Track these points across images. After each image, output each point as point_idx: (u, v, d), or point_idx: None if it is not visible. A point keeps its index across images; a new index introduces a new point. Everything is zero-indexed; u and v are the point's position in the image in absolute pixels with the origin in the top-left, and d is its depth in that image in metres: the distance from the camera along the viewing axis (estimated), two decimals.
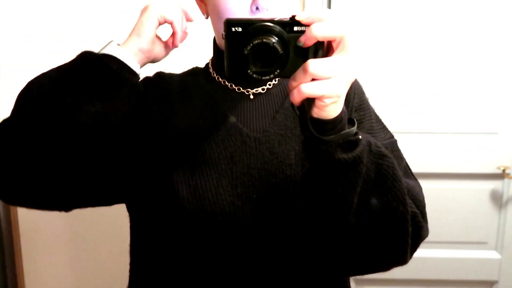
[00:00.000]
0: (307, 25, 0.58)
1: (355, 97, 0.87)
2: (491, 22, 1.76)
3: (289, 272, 0.80)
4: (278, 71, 0.59)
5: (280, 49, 0.58)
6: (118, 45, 0.76)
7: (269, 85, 0.86)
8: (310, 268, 0.81)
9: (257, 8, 0.74)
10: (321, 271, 0.82)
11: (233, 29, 0.59)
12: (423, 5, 1.77)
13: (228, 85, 0.86)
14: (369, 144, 0.66)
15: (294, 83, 0.59)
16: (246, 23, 0.59)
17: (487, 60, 1.79)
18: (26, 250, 1.63)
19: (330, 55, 0.60)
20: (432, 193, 1.87)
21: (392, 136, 0.86)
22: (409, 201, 0.70)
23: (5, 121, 0.71)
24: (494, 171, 1.85)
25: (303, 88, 0.57)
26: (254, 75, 0.59)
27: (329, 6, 1.81)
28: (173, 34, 0.83)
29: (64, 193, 0.73)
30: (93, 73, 0.71)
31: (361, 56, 1.82)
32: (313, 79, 0.58)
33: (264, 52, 0.58)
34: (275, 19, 0.59)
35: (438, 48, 1.79)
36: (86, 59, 0.72)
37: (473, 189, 1.89)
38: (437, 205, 1.88)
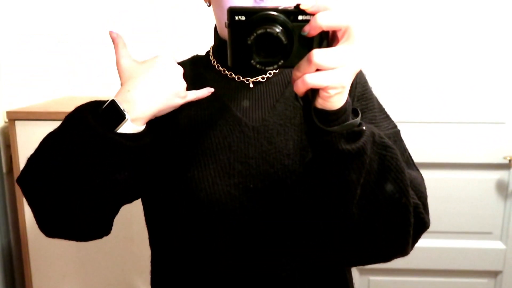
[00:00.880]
0: (312, 14, 0.56)
1: (358, 86, 0.86)
2: (497, 12, 1.73)
3: (288, 262, 0.80)
4: (282, 61, 0.58)
5: (284, 39, 0.56)
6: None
7: (269, 74, 0.85)
8: (310, 259, 0.81)
9: None
10: (322, 262, 0.82)
11: (237, 18, 0.57)
12: None
13: (228, 73, 0.85)
14: (373, 135, 0.65)
15: (298, 73, 0.58)
16: (249, 12, 0.57)
17: (495, 49, 1.77)
18: (34, 256, 1.63)
19: (335, 45, 0.58)
20: (438, 183, 1.87)
21: (395, 126, 0.85)
22: (411, 192, 0.69)
23: (31, 161, 0.71)
24: (500, 161, 1.84)
25: (308, 79, 0.56)
26: (258, 66, 0.58)
27: None
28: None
29: (100, 224, 0.76)
30: (113, 154, 0.67)
31: (367, 46, 1.80)
32: (317, 70, 0.56)
33: (268, 42, 0.56)
34: (279, 8, 0.58)
35: (445, 36, 1.77)
36: (99, 138, 0.65)
37: (479, 179, 1.88)
38: (443, 195, 1.88)
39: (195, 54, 0.94)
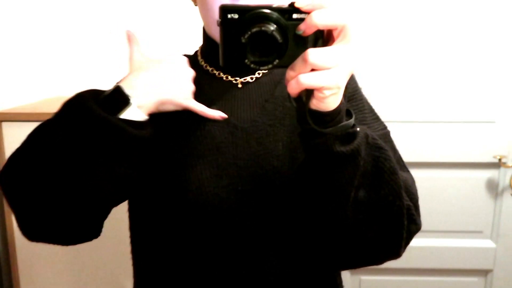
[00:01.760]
0: (307, 13, 0.55)
1: (347, 87, 0.85)
2: (488, 10, 1.74)
3: (277, 266, 0.78)
4: (277, 60, 0.56)
5: (279, 38, 0.54)
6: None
7: (258, 74, 0.84)
8: (301, 261, 0.80)
9: None
10: (314, 265, 0.81)
11: (229, 16, 0.55)
12: None
13: (216, 73, 0.84)
14: (366, 136, 0.64)
15: (292, 73, 0.56)
16: (242, 10, 0.55)
17: (484, 48, 1.77)
18: (22, 260, 1.60)
19: (330, 45, 0.57)
20: (428, 182, 1.87)
21: (385, 127, 0.85)
22: (403, 194, 0.69)
23: (15, 156, 0.67)
24: (490, 160, 1.84)
25: (302, 79, 0.54)
26: (252, 65, 0.56)
27: None
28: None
29: (90, 225, 0.72)
30: (115, 141, 0.63)
31: (361, 45, 1.80)
32: (312, 70, 0.55)
33: (263, 40, 0.54)
34: (273, 6, 0.56)
35: (434, 36, 1.78)
36: (103, 124, 0.62)
37: (469, 178, 1.88)
38: (433, 194, 1.88)
39: (183, 54, 0.93)
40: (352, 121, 0.62)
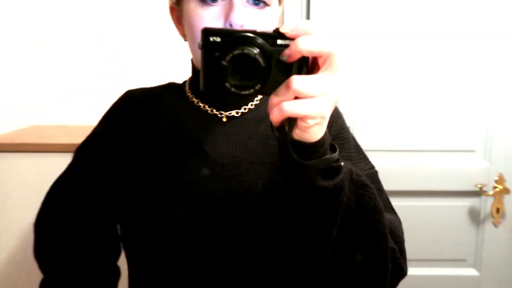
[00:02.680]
0: (292, 39, 0.53)
1: (333, 126, 0.82)
2: (463, 45, 1.79)
3: None
4: (259, 85, 0.53)
5: (262, 62, 0.52)
6: None
7: (244, 109, 0.82)
8: None
9: (230, 25, 0.69)
10: None
11: (211, 39, 0.53)
12: (404, 18, 1.78)
13: (201, 105, 0.82)
14: (351, 172, 0.61)
15: (275, 101, 0.53)
16: (225, 33, 0.53)
17: (464, 78, 1.81)
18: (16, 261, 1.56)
19: (315, 73, 0.54)
20: (411, 211, 1.87)
21: (373, 167, 0.82)
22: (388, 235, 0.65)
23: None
24: (471, 188, 1.86)
25: (285, 106, 0.52)
26: (232, 89, 0.53)
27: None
28: None
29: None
30: None
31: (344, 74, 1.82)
32: (296, 97, 0.52)
33: (245, 64, 0.52)
34: (257, 31, 0.54)
35: (416, 66, 1.81)
36: None
37: (451, 206, 1.89)
38: (416, 222, 1.88)
39: (171, 82, 0.92)
40: (336, 155, 0.59)
